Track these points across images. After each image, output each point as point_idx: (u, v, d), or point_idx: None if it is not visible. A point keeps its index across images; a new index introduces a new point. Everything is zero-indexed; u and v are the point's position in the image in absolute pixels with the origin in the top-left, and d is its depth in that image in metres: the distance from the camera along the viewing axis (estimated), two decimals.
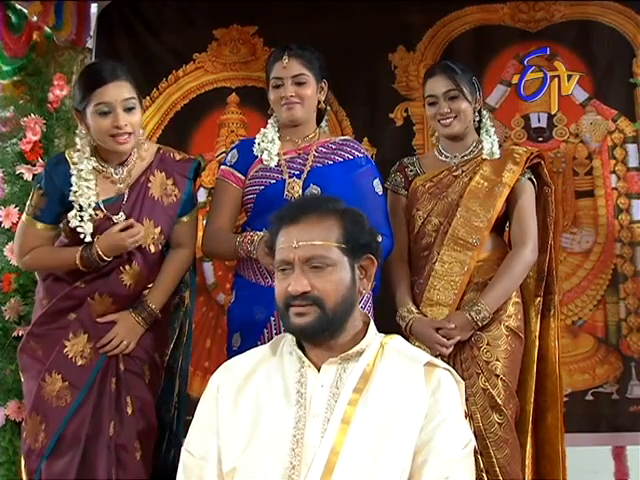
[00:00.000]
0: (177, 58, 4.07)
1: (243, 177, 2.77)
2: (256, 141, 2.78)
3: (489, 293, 2.73)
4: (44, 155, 3.51)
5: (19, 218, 3.41)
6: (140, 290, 2.66)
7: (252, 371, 1.92)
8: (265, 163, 2.74)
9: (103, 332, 2.60)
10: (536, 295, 2.86)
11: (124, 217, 2.57)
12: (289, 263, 1.85)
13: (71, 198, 2.55)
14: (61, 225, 2.66)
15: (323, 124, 2.90)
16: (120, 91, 2.50)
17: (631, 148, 3.71)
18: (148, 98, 3.96)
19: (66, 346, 2.57)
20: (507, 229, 2.97)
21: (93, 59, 3.91)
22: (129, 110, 2.51)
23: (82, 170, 2.56)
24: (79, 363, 2.57)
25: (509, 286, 2.77)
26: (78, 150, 2.60)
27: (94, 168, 2.59)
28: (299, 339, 1.91)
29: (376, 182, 2.76)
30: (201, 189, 3.97)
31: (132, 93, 2.53)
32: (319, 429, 1.79)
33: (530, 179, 2.88)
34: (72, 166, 2.58)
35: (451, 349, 2.70)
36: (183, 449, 1.93)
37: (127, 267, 2.59)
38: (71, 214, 2.55)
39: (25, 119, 3.53)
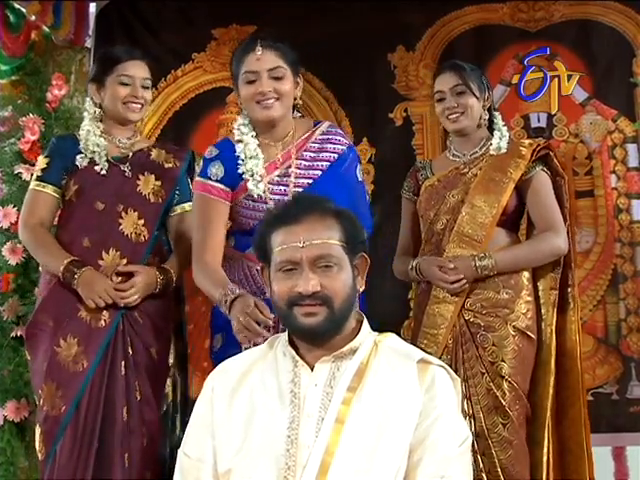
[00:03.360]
0: (176, 58, 4.08)
1: (231, 191, 2.55)
2: (238, 154, 2.52)
3: (502, 251, 2.74)
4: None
5: (17, 218, 3.42)
6: (143, 248, 2.71)
7: (247, 372, 1.91)
8: (250, 191, 2.50)
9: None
10: (552, 288, 2.80)
11: (130, 168, 2.77)
12: (296, 263, 1.83)
13: (81, 146, 2.75)
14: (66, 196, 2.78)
15: (297, 115, 2.65)
16: (141, 70, 2.79)
17: (631, 148, 3.71)
18: None
19: (79, 309, 2.63)
20: (522, 224, 2.94)
21: (91, 59, 3.91)
22: (145, 88, 2.80)
23: (93, 122, 2.79)
24: (94, 325, 2.62)
25: (525, 256, 2.76)
26: (91, 117, 2.82)
27: (103, 132, 2.80)
28: (292, 339, 1.90)
29: (359, 169, 2.62)
30: None
31: (149, 75, 2.82)
32: (313, 429, 1.78)
33: (543, 170, 2.83)
34: (82, 127, 2.80)
35: (457, 285, 2.70)
36: (180, 451, 1.92)
37: (123, 214, 2.71)
38: (80, 157, 2.74)
39: (23, 119, 3.53)
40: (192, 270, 2.50)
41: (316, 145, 2.57)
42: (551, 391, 2.73)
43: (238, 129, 2.56)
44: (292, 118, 2.59)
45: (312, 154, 2.56)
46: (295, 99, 2.56)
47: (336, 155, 2.55)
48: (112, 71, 2.76)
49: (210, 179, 2.54)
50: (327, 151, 2.56)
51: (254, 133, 2.55)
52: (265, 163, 2.52)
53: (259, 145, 2.53)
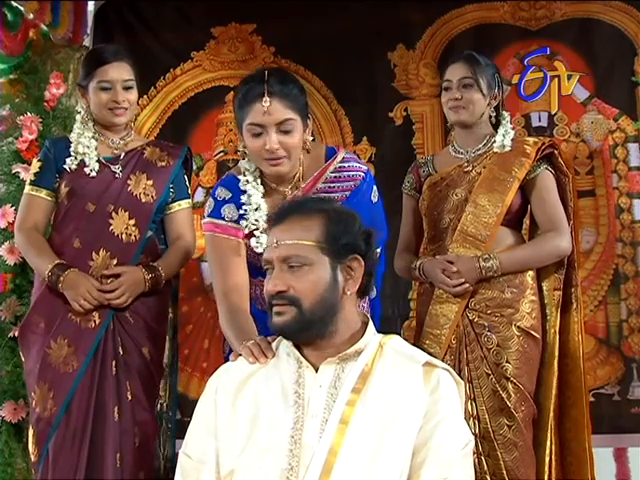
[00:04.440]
0: (175, 56, 4.09)
1: (245, 232, 2.41)
2: (243, 203, 2.37)
3: (506, 251, 2.71)
4: None
5: (15, 218, 3.40)
6: (133, 248, 2.71)
7: (250, 373, 1.90)
8: (257, 250, 2.33)
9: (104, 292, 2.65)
10: (556, 289, 2.78)
11: (120, 168, 2.76)
12: (270, 262, 1.87)
13: (71, 149, 2.74)
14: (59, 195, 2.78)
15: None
16: (121, 71, 2.74)
17: (632, 147, 3.71)
18: (146, 97, 3.96)
19: (70, 311, 2.63)
20: (525, 224, 2.91)
21: None
22: (127, 89, 2.75)
23: (84, 130, 2.78)
24: (84, 326, 2.62)
25: (529, 257, 2.73)
26: (81, 120, 2.81)
27: (94, 133, 2.79)
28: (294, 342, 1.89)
29: (374, 192, 2.46)
30: (199, 189, 3.95)
31: (131, 75, 2.77)
32: (317, 430, 1.76)
33: (547, 169, 2.79)
34: (73, 130, 2.79)
35: (459, 289, 2.66)
36: (181, 452, 1.91)
37: (114, 214, 2.70)
38: (69, 160, 2.74)
39: (21, 118, 3.51)
40: (219, 315, 2.33)
41: (326, 185, 2.41)
42: (554, 392, 2.71)
43: (244, 175, 2.40)
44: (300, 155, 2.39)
45: (323, 194, 2.38)
46: (305, 143, 2.35)
47: (348, 192, 2.40)
48: (92, 76, 2.74)
49: (224, 219, 2.38)
50: (339, 190, 2.40)
51: (259, 180, 2.40)
52: (271, 204, 2.37)
53: (265, 192, 2.39)
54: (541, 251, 2.75)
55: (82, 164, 2.73)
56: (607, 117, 3.72)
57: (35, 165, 2.81)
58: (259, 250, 2.30)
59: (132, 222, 2.71)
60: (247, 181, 2.39)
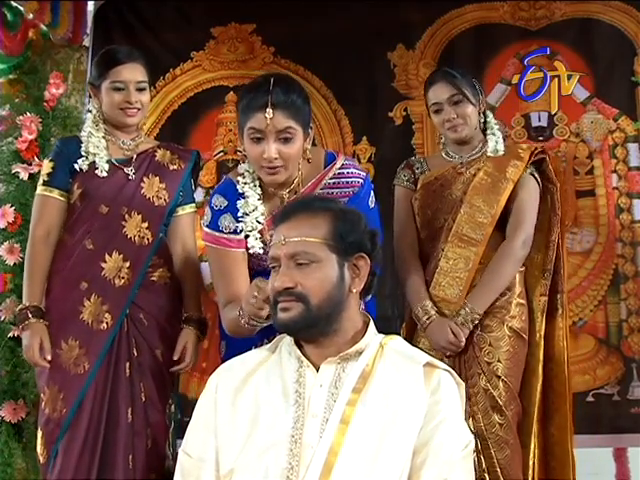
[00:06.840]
0: (175, 56, 4.08)
1: (244, 239, 2.42)
2: (240, 208, 2.39)
3: (477, 294, 2.69)
4: (40, 154, 3.50)
5: (15, 217, 3.42)
6: (146, 251, 2.70)
7: (251, 371, 1.90)
8: (251, 250, 2.39)
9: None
10: (542, 294, 2.79)
11: (133, 171, 2.74)
12: (277, 259, 1.87)
13: (82, 149, 2.73)
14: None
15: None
16: (134, 72, 2.74)
17: (632, 147, 3.71)
18: None
19: (81, 312, 2.63)
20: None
21: (90, 57, 3.91)
22: (140, 90, 2.75)
23: (95, 129, 2.77)
24: (95, 328, 2.62)
25: (498, 285, 2.72)
26: (92, 120, 2.80)
27: (105, 133, 2.78)
28: (297, 339, 1.90)
29: (371, 198, 2.46)
30: (199, 188, 3.94)
31: (144, 76, 2.77)
32: (318, 429, 1.77)
33: (532, 175, 2.82)
34: (84, 129, 2.79)
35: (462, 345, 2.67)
36: (181, 450, 1.91)
37: (127, 217, 2.70)
38: (81, 161, 2.72)
39: (21, 117, 3.52)
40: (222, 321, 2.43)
41: (325, 191, 2.40)
42: (538, 396, 2.72)
43: (242, 176, 2.41)
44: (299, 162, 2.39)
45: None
46: (305, 152, 2.36)
47: (347, 198, 2.38)
48: (106, 76, 2.73)
49: (223, 232, 2.40)
50: (338, 196, 2.37)
51: (258, 183, 2.41)
52: (268, 215, 2.40)
53: (262, 195, 2.41)
54: (503, 272, 2.72)
55: (94, 165, 2.72)
56: (607, 117, 3.72)
57: (47, 165, 2.77)
58: (252, 251, 2.36)
59: (145, 225, 2.71)
60: (245, 183, 2.41)
